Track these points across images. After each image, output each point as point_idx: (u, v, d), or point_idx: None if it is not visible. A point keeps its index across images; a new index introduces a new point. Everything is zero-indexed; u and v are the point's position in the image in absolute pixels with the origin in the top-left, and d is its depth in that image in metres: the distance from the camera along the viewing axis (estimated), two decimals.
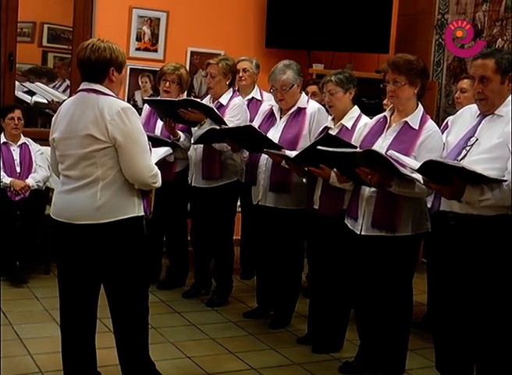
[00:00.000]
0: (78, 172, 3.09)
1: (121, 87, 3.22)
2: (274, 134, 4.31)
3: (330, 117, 4.16)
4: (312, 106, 4.35)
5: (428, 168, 2.99)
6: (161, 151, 4.87)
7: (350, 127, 3.98)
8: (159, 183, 3.20)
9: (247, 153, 4.49)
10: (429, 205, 3.48)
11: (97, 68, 3.10)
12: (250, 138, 4.28)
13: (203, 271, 5.12)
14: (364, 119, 4.01)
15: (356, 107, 4.07)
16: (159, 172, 3.18)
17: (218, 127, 4.50)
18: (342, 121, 4.02)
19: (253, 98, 5.38)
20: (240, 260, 5.62)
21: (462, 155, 3.12)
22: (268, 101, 4.83)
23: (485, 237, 3.08)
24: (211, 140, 4.61)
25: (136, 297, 3.23)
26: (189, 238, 5.27)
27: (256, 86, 5.50)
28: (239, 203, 5.21)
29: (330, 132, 3.99)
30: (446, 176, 2.97)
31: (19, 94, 6.07)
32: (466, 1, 6.13)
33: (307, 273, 4.90)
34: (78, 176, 3.09)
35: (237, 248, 5.36)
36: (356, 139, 3.88)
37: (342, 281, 3.94)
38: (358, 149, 3.51)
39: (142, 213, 3.18)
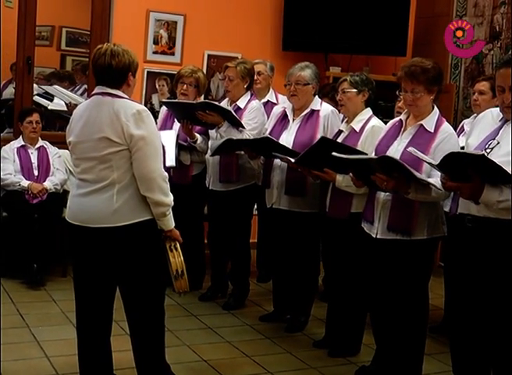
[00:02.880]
0: (94, 175, 3.10)
1: (133, 91, 3.23)
2: (287, 137, 4.31)
3: (345, 120, 4.16)
4: (325, 109, 4.34)
5: (448, 163, 2.97)
6: (171, 135, 4.86)
7: (358, 130, 3.98)
8: (170, 199, 3.15)
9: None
10: (447, 209, 3.45)
11: (118, 73, 3.11)
12: (267, 146, 4.28)
13: (220, 274, 5.12)
14: (374, 121, 4.00)
15: (368, 109, 4.06)
16: (169, 186, 3.15)
17: (234, 138, 4.50)
18: (351, 124, 4.02)
19: (268, 101, 5.37)
20: (256, 263, 5.62)
21: None
22: (283, 104, 4.81)
23: (504, 240, 3.04)
24: (228, 150, 4.61)
25: (152, 299, 3.24)
26: (206, 241, 5.28)
27: (271, 89, 5.49)
28: (255, 206, 5.20)
29: (341, 135, 4.02)
30: (465, 174, 2.95)
31: (37, 98, 6.09)
32: (484, 3, 6.08)
33: (323, 277, 4.88)
34: (94, 179, 3.10)
35: (254, 251, 5.35)
36: (363, 141, 3.88)
37: (357, 285, 3.93)
38: (373, 156, 3.51)
39: None
